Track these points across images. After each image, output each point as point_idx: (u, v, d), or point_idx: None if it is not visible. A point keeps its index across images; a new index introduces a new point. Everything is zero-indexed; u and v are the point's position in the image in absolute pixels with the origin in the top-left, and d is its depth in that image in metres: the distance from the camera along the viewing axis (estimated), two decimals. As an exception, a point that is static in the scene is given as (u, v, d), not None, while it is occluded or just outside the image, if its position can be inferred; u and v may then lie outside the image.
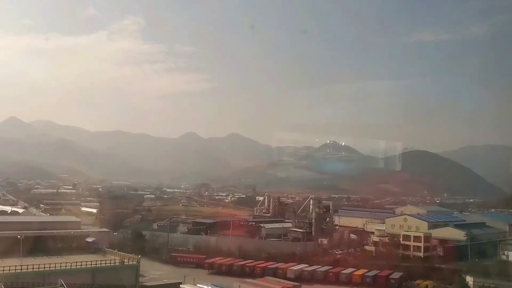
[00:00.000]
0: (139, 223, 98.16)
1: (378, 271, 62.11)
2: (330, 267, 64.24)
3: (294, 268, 62.79)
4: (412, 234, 77.90)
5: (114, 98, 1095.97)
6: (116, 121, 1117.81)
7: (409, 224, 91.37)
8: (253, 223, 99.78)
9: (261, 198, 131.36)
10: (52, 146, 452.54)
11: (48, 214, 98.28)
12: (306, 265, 64.87)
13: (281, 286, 51.95)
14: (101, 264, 50.05)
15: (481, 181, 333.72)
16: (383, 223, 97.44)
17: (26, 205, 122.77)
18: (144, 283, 52.46)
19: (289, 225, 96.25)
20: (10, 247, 49.48)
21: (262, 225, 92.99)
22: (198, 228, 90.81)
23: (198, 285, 47.96)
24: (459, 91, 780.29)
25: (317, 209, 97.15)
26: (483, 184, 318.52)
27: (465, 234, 76.10)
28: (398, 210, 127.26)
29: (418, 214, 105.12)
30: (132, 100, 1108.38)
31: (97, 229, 73.76)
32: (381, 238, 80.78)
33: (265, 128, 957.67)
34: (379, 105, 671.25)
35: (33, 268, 44.74)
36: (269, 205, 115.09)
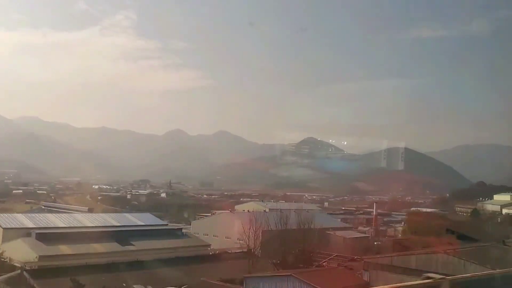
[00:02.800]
0: None
1: None
2: None
3: None
4: None
5: (108, 95, 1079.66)
6: (105, 118, 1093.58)
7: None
8: None
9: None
10: (22, 142, 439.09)
11: None
12: None
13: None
14: None
15: (460, 179, 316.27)
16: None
17: None
18: None
19: None
20: None
21: None
22: None
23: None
24: (459, 90, 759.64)
25: None
26: (462, 181, 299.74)
27: None
28: (239, 207, 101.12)
29: (265, 211, 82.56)
30: (127, 97, 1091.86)
31: None
32: None
33: (259, 126, 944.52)
34: (376, 104, 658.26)
35: None
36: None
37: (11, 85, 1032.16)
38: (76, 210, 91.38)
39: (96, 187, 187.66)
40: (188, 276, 37.03)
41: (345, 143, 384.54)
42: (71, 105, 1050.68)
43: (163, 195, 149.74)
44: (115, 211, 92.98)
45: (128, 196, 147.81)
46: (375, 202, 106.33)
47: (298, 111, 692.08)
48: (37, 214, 63.94)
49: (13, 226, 51.71)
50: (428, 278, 7.23)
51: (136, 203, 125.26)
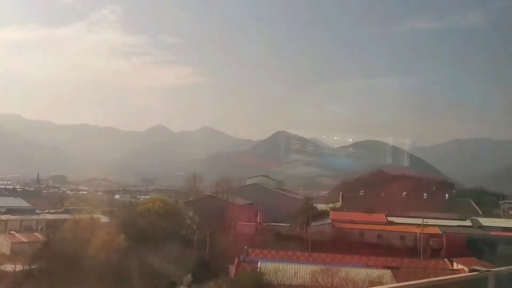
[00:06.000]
0: None
1: None
2: None
3: None
4: None
5: (99, 93, 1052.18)
6: (93, 115, 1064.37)
7: None
8: None
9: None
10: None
11: None
12: None
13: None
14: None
15: (436, 173, 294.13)
16: None
17: None
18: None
19: None
20: None
21: None
22: None
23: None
24: (455, 84, 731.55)
25: None
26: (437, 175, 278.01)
27: None
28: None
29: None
30: (117, 95, 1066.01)
31: None
32: None
33: (252, 123, 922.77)
34: (370, 102, 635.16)
35: None
36: None
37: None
38: None
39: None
40: None
41: (325, 136, 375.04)
42: (59, 103, 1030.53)
43: (19, 189, 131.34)
44: None
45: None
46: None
47: (295, 109, 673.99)
48: None
49: None
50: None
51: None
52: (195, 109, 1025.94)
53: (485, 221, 71.89)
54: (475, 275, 6.99)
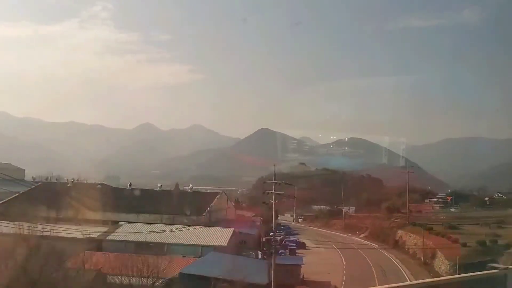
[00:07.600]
0: None
1: None
2: None
3: None
4: None
5: (89, 90, 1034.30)
6: (79, 112, 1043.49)
7: None
8: None
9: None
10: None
11: None
12: None
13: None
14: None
15: (421, 172, 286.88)
16: None
17: None
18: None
19: None
20: None
21: None
22: None
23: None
24: (451, 82, 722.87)
25: None
26: (419, 173, 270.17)
27: None
28: None
29: None
30: (109, 93, 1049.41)
31: None
32: None
33: (244, 121, 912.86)
34: (362, 101, 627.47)
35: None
36: None
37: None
38: None
39: None
40: None
41: (320, 136, 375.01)
42: (49, 101, 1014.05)
43: None
44: None
45: None
46: None
47: (287, 107, 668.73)
48: None
49: None
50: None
51: None
52: (187, 107, 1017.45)
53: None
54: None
